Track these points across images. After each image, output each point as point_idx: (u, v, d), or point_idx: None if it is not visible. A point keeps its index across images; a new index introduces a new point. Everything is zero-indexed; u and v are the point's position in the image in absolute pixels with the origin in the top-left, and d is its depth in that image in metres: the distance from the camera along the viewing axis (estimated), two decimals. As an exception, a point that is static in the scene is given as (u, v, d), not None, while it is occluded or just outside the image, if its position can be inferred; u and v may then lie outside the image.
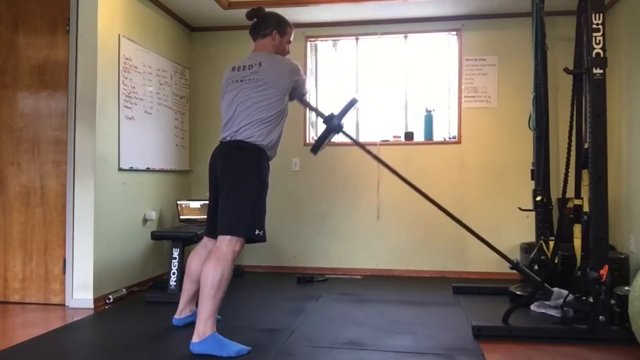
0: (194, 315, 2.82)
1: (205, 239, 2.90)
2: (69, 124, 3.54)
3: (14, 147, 3.60)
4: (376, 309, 3.45)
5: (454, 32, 4.73)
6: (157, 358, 2.50)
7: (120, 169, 3.77)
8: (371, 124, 4.91)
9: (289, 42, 2.94)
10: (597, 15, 2.83)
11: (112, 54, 3.71)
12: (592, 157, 2.82)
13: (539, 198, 3.66)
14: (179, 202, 4.41)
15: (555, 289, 3.17)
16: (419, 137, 4.77)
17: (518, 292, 3.54)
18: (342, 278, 4.53)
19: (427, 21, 4.70)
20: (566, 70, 3.11)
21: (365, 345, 2.68)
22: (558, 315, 3.09)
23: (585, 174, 2.98)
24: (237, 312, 3.34)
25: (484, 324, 2.88)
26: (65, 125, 3.55)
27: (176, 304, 3.02)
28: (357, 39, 4.92)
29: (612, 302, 2.75)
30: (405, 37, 4.83)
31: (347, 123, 4.96)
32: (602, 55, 2.82)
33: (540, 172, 3.69)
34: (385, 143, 4.75)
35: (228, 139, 2.69)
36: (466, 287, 3.95)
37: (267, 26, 2.84)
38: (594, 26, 2.83)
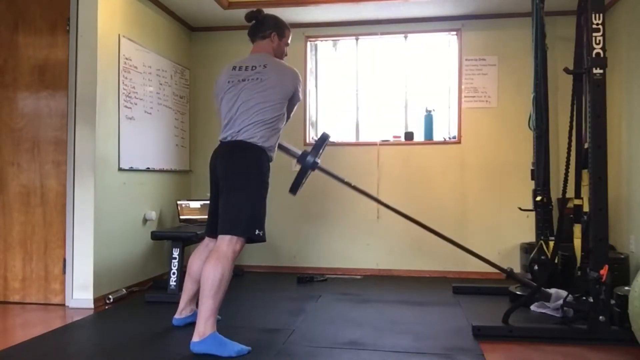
0: (194, 315, 2.82)
1: (207, 239, 2.90)
2: (69, 124, 3.54)
3: (14, 147, 3.60)
4: (376, 309, 3.45)
5: (454, 32, 4.73)
6: (157, 358, 2.50)
7: (120, 169, 3.77)
8: (371, 124, 4.92)
9: (287, 44, 2.96)
10: (597, 15, 2.83)
11: (112, 54, 3.71)
12: (592, 157, 2.82)
13: (539, 198, 3.66)
14: (178, 202, 4.41)
15: (553, 290, 3.17)
16: (419, 137, 4.77)
17: (518, 292, 3.54)
18: (342, 278, 4.53)
19: (427, 21, 4.70)
20: (566, 70, 3.11)
21: (365, 345, 2.68)
22: (558, 315, 3.10)
23: (585, 174, 2.98)
24: (237, 312, 3.34)
25: (484, 324, 2.88)
26: (65, 125, 3.55)
27: (176, 304, 3.02)
28: (357, 39, 4.92)
29: (612, 302, 2.75)
30: (405, 37, 4.83)
31: (347, 124, 4.98)
32: (602, 55, 2.82)
33: (540, 172, 3.69)
34: (385, 143, 4.75)
35: (229, 139, 2.69)
36: (466, 287, 3.95)
37: (266, 28, 2.86)
38: (594, 26, 2.83)
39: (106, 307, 3.49)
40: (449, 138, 4.75)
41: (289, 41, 2.98)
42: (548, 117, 3.70)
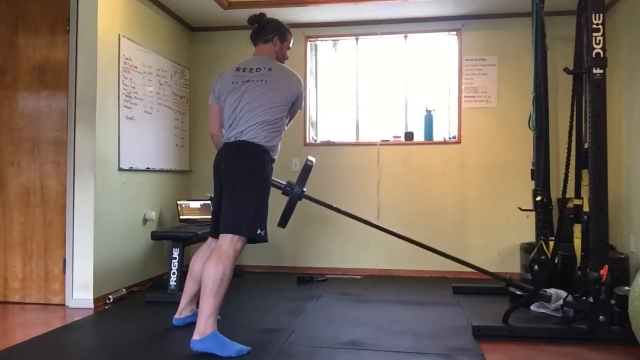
0: (194, 315, 2.82)
1: (210, 240, 2.90)
2: (69, 124, 3.54)
3: (14, 147, 3.60)
4: (376, 309, 3.45)
5: (454, 32, 4.73)
6: (157, 358, 2.50)
7: (120, 169, 3.77)
8: (371, 124, 4.92)
9: (289, 48, 2.99)
10: (597, 15, 2.83)
11: (112, 54, 3.71)
12: (592, 157, 2.82)
13: (539, 198, 3.66)
14: (178, 202, 4.41)
15: (552, 291, 3.17)
16: (419, 137, 4.77)
17: (518, 292, 3.53)
18: (342, 278, 4.53)
19: (427, 21, 4.70)
20: (566, 70, 3.11)
21: (365, 345, 2.68)
22: (558, 315, 3.10)
23: (585, 174, 2.98)
24: (237, 312, 3.34)
25: (484, 324, 2.88)
26: (65, 125, 3.55)
27: (176, 304, 3.02)
28: (357, 39, 4.92)
29: (612, 302, 2.75)
30: (405, 37, 4.83)
31: (347, 124, 4.98)
32: (602, 55, 2.82)
33: (540, 172, 3.69)
34: (385, 143, 4.75)
35: (233, 139, 2.70)
36: (466, 287, 3.95)
37: (268, 32, 2.89)
38: (594, 26, 2.83)
39: (106, 307, 3.49)
40: (449, 138, 4.75)
41: (291, 45, 3.01)
42: (548, 117, 3.70)
